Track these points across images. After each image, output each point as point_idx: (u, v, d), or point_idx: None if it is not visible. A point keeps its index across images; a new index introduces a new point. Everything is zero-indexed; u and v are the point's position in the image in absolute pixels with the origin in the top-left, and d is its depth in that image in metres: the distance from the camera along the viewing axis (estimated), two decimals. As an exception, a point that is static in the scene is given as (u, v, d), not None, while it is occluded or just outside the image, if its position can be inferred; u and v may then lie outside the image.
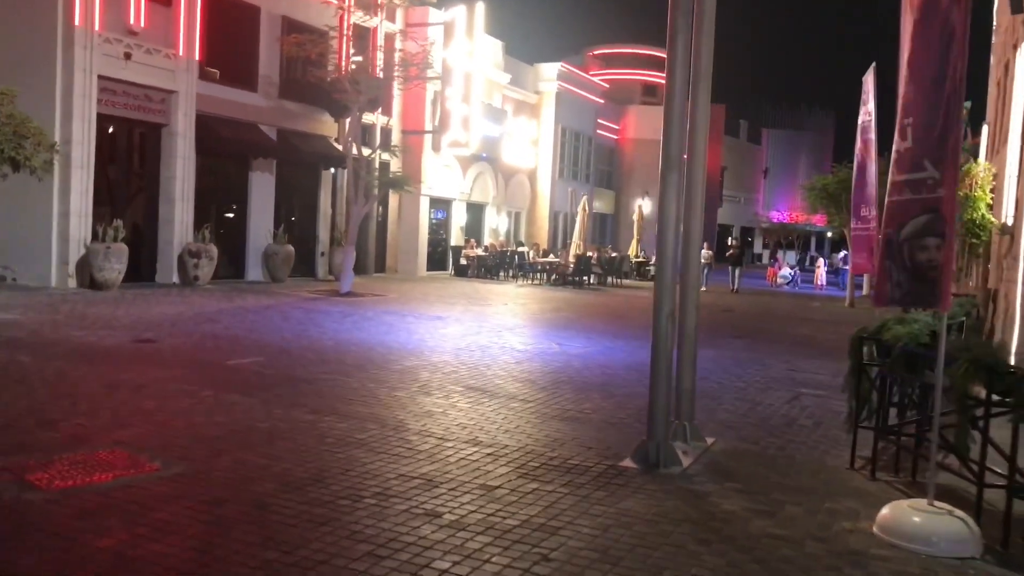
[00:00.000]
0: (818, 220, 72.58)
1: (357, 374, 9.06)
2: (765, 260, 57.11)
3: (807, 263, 51.71)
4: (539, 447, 6.48)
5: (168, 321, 12.32)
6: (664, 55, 6.09)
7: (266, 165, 20.52)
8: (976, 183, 11.95)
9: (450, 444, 6.41)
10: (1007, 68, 15.31)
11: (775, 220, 65.86)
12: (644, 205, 36.00)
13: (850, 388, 6.42)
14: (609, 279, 28.06)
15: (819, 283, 34.70)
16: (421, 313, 15.41)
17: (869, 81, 13.44)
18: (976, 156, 21.94)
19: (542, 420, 7.43)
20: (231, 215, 20.33)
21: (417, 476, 5.54)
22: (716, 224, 55.53)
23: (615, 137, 41.95)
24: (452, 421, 7.17)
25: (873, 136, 13.67)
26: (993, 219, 11.78)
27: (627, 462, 6.10)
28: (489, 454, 6.21)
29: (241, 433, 6.41)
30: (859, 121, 13.48)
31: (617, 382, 9.52)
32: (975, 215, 11.97)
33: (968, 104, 29.19)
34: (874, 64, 13.47)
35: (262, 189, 20.61)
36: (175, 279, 17.83)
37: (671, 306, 6.03)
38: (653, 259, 31.23)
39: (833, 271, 36.90)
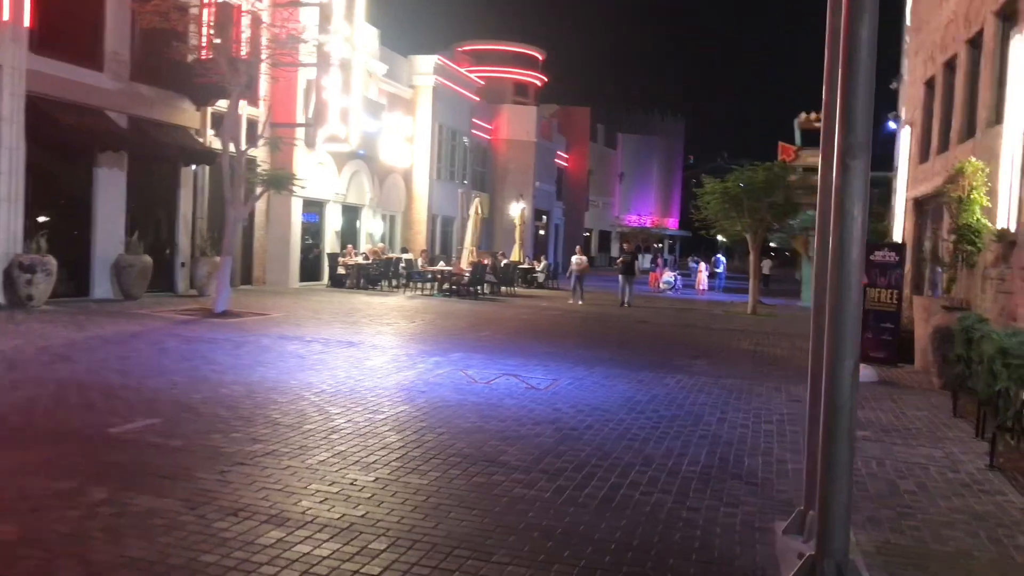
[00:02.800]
0: (671, 223, 74.15)
1: (302, 442, 6.60)
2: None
3: (667, 265, 51.79)
4: (640, 569, 4.39)
5: (3, 362, 9.20)
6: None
7: (115, 160, 17.09)
8: (970, 184, 10.82)
9: None
10: (950, 64, 14.60)
11: (631, 224, 66.22)
12: (525, 208, 34.34)
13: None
14: (502, 288, 26.08)
15: (701, 287, 34.20)
16: (327, 338, 12.82)
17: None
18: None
19: (597, 511, 5.32)
20: (72, 220, 16.70)
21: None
22: (583, 228, 54.94)
23: (488, 137, 40.06)
24: (484, 525, 4.94)
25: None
26: (988, 223, 10.70)
27: (793, 593, 4.12)
28: (586, 593, 4.06)
29: (179, 580, 3.94)
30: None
31: (636, 433, 7.53)
32: (971, 219, 10.85)
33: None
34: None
35: (111, 188, 17.16)
36: (1, 300, 14.29)
37: (857, 356, 4.08)
38: (540, 265, 29.53)
39: (711, 275, 36.58)
